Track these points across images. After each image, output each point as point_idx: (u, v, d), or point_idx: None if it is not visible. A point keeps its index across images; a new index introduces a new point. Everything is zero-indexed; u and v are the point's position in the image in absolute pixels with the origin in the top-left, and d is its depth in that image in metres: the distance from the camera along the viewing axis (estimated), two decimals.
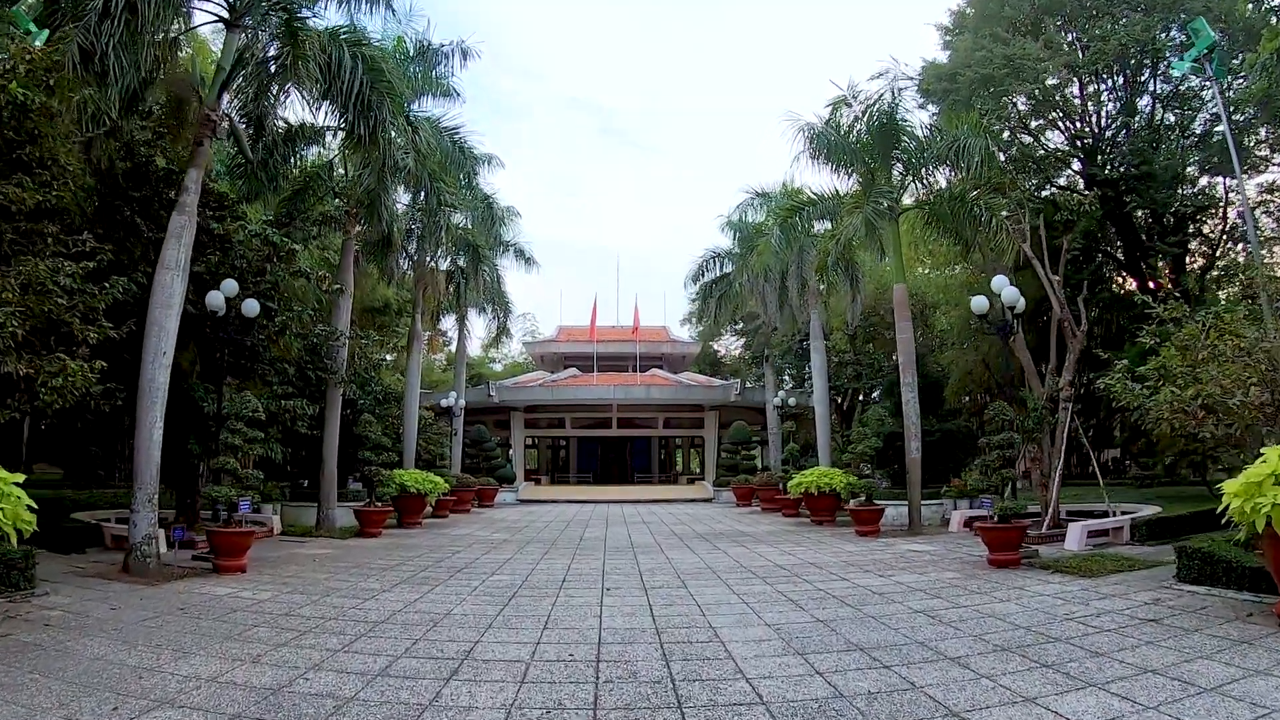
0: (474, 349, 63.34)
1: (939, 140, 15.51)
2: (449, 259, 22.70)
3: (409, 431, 20.17)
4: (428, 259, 20.01)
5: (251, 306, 11.76)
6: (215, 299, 11.35)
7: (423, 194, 16.51)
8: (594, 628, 6.28)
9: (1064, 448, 13.04)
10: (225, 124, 11.25)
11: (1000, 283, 11.64)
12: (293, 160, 15.14)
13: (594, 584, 8.60)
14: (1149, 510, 12.76)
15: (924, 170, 16.24)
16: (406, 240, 20.46)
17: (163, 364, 9.16)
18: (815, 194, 16.82)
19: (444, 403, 24.60)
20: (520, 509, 23.62)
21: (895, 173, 16.33)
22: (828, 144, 15.79)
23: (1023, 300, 11.92)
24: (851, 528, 15.64)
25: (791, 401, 23.96)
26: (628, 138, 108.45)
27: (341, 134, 15.26)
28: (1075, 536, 11.23)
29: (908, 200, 17.03)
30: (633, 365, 38.29)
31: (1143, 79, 21.69)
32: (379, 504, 14.92)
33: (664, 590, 8.12)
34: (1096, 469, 13.69)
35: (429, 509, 18.95)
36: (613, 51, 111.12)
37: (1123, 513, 12.81)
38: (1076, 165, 23.46)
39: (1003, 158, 18.44)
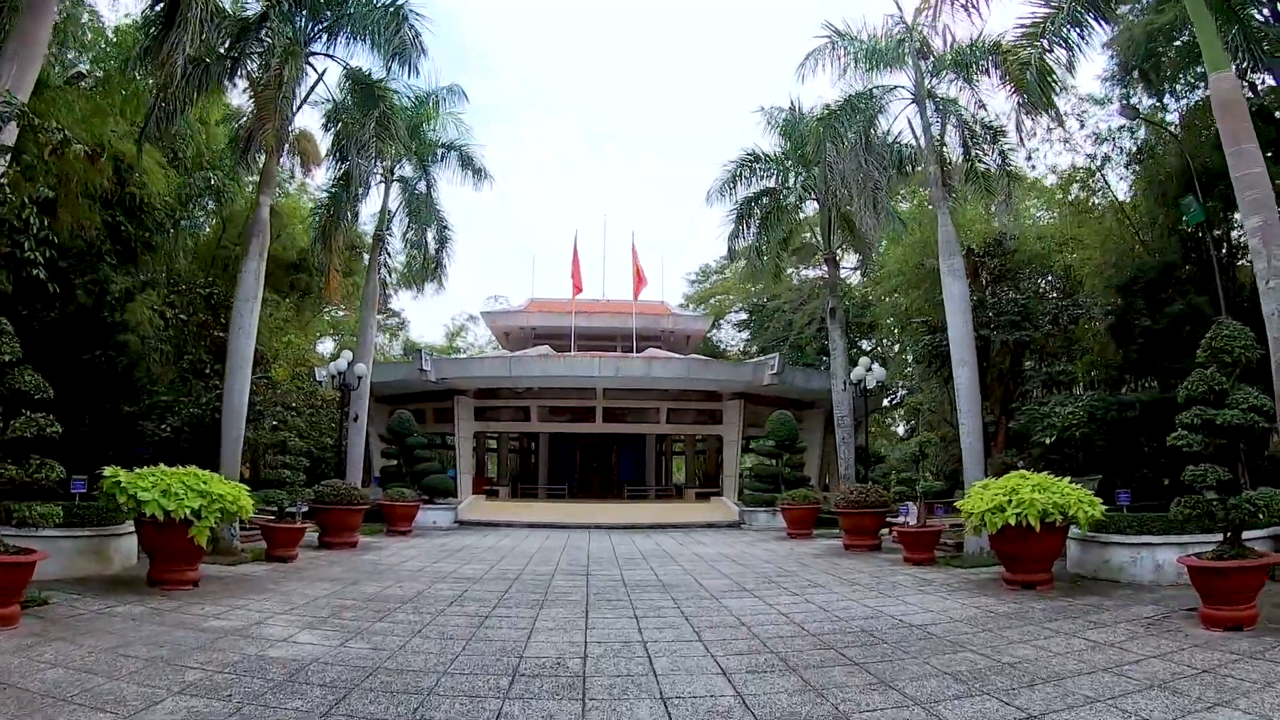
0: (437, 335, 53.79)
1: None
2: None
3: (232, 403, 11.06)
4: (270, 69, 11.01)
5: None
6: None
7: None
8: None
9: None
10: None
11: None
12: None
13: None
14: None
15: None
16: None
17: None
18: None
19: (335, 368, 15.42)
20: (449, 541, 14.54)
21: None
22: None
23: None
24: (1090, 595, 7.11)
25: (878, 372, 14.97)
26: (606, 137, 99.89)
27: None
28: None
29: None
30: (622, 346, 29.30)
31: None
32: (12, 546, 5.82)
33: None
34: None
35: (248, 547, 9.95)
36: (590, 55, 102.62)
37: None
38: None
39: None
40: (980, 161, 14.27)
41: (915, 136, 13.87)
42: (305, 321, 27.44)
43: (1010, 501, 8.34)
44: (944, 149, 12.99)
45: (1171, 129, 17.21)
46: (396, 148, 12.33)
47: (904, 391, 29.77)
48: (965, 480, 11.62)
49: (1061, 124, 13.59)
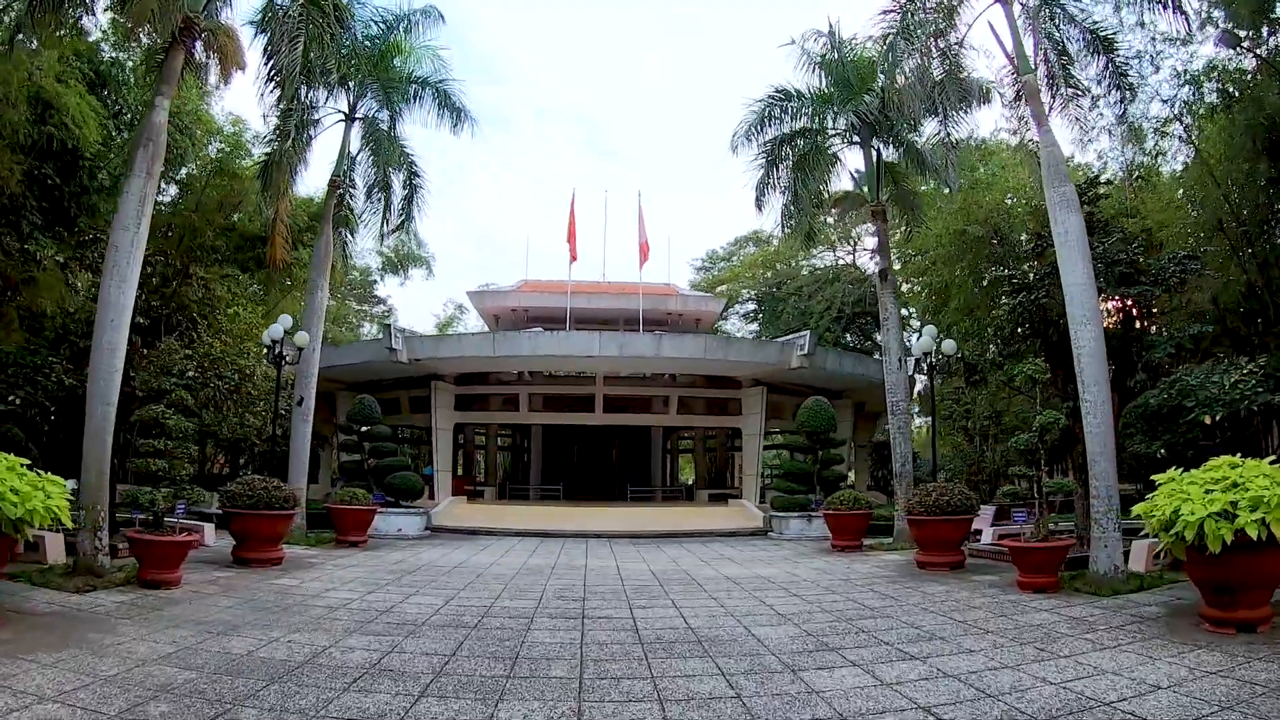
0: (427, 328, 50.14)
1: None
2: None
3: (99, 371, 8.04)
4: None
5: None
6: None
7: None
8: None
9: None
10: None
11: None
12: None
13: None
14: None
15: None
16: None
17: None
18: None
19: (270, 336, 12.35)
20: (408, 557, 11.56)
21: None
22: None
23: None
24: None
25: (947, 345, 11.95)
26: (610, 147, 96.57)
27: None
28: None
29: None
30: (625, 331, 26.21)
31: None
32: None
33: None
34: None
35: (126, 564, 7.00)
36: (590, 61, 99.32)
37: None
38: None
39: None
40: (1068, 83, 11.31)
41: (999, 42, 10.87)
42: (274, 303, 24.52)
43: (1236, 503, 5.38)
44: (1049, 46, 9.98)
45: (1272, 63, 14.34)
46: (334, 34, 9.29)
47: (920, 385, 26.91)
48: (1092, 477, 8.65)
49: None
